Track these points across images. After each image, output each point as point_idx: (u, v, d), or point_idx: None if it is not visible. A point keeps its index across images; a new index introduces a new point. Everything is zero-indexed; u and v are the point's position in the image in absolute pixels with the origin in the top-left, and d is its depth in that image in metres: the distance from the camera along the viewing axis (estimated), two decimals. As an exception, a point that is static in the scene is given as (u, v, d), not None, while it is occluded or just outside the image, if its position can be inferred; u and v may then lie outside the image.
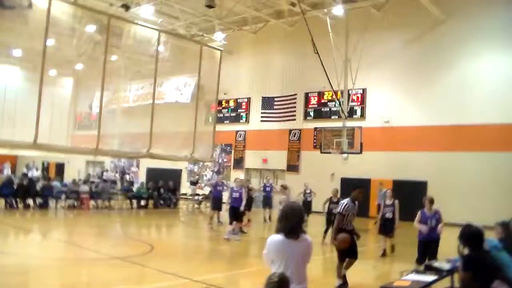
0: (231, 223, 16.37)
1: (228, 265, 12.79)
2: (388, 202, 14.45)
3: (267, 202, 23.16)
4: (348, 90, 25.48)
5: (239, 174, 31.33)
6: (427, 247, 10.30)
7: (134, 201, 26.95)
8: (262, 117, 32.62)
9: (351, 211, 9.57)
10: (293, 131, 31.13)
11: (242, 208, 16.66)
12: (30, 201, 23.39)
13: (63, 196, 24.62)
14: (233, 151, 34.21)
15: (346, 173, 27.25)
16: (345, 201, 9.71)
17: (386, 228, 14.29)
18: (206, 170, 35.37)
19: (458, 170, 24.05)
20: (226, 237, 16.06)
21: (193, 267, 11.89)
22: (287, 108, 31.44)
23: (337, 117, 27.80)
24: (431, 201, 10.73)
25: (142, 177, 36.19)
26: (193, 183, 32.64)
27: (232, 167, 34.13)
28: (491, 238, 7.27)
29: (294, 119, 31.05)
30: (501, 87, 23.51)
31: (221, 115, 33.48)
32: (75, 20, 13.22)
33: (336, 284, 9.61)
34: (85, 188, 25.30)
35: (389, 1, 25.37)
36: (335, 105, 27.76)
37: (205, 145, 18.41)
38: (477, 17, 24.13)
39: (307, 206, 19.72)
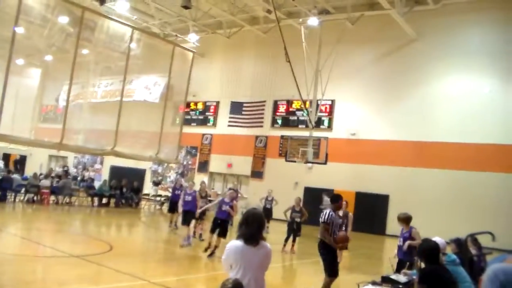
0: (187, 224, 15.76)
1: (186, 269, 12.67)
2: (340, 213, 13.46)
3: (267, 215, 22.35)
4: (317, 101, 25.61)
5: (203, 178, 31.16)
6: (400, 265, 9.90)
7: (96, 199, 26.56)
8: (229, 121, 32.54)
9: (335, 220, 9.32)
10: (259, 137, 31.14)
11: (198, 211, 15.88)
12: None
13: (23, 190, 24.05)
14: (198, 154, 34.02)
15: (309, 182, 27.40)
16: (327, 210, 9.27)
17: None
18: (170, 171, 35.11)
19: (419, 185, 24.43)
20: (183, 244, 15.35)
21: (151, 268, 11.77)
22: (255, 114, 31.44)
23: (304, 126, 27.90)
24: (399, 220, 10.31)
25: (105, 175, 35.69)
26: (156, 184, 32.44)
27: (196, 170, 33.93)
28: (450, 253, 7.40)
29: (262, 126, 31.07)
30: (463, 107, 24.08)
31: (189, 117, 33.26)
32: (48, 9, 12.97)
33: None
34: (46, 182, 24.75)
35: (364, 16, 25.71)
36: (303, 114, 27.87)
37: (170, 146, 18.24)
38: (446, 38, 24.64)
39: (266, 212, 19.62)
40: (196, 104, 34.11)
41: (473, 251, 9.25)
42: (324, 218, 9.06)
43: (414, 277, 7.42)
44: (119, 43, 15.34)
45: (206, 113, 34.10)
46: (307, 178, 27.83)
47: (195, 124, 34.03)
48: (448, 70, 24.79)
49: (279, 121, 30.63)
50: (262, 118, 31.08)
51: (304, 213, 16.76)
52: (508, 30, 23.50)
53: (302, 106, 26.51)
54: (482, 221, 18.80)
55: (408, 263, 9.39)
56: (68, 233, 17.39)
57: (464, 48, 24.42)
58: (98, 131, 16.17)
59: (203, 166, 33.63)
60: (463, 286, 6.86)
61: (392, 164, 25.52)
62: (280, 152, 29.21)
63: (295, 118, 29.87)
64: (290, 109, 30.16)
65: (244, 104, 31.93)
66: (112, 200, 27.10)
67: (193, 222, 16.68)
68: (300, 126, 29.13)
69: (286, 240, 16.41)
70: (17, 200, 23.76)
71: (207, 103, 33.99)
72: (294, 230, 16.48)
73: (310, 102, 25.45)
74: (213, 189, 30.22)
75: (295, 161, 24.79)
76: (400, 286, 7.79)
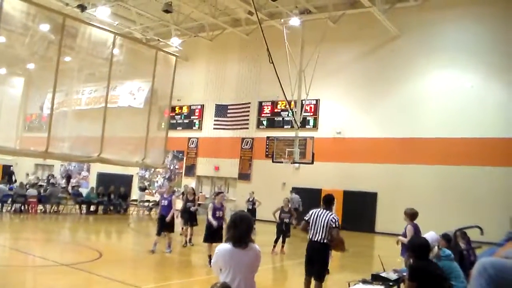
0: (158, 234, 14.84)
1: (176, 274, 12.65)
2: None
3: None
4: (302, 101, 25.66)
5: (191, 182, 31.14)
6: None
7: (84, 206, 26.40)
8: (215, 124, 32.50)
9: None
10: (245, 139, 31.14)
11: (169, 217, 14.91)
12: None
13: (9, 200, 23.83)
14: (185, 158, 33.96)
15: (297, 182, 27.42)
16: (334, 214, 8.97)
17: None
18: (157, 176, 35.02)
19: (407, 182, 24.55)
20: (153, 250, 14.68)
21: (142, 275, 11.73)
22: (240, 116, 31.43)
23: (289, 127, 27.92)
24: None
25: (92, 182, 35.49)
26: (142, 189, 32.37)
27: (183, 174, 33.86)
28: (445, 248, 7.44)
29: (247, 128, 31.08)
30: (447, 103, 24.24)
31: (174, 121, 33.22)
32: (29, 17, 12.88)
33: None
34: (33, 192, 24.55)
35: (345, 14, 25.83)
36: (288, 115, 27.91)
37: (157, 151, 18.19)
38: (429, 34, 24.80)
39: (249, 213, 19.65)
40: (181, 108, 34.07)
41: (462, 245, 9.31)
42: (337, 223, 8.73)
43: (405, 274, 7.47)
44: (101, 49, 15.27)
45: (191, 117, 34.05)
46: (295, 178, 27.87)
47: (180, 128, 33.96)
48: (431, 66, 24.93)
49: (265, 122, 30.64)
50: (248, 120, 31.08)
51: (292, 214, 16.81)
52: (489, 25, 23.73)
53: (287, 106, 26.55)
54: (471, 215, 18.95)
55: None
56: (57, 241, 17.29)
57: (446, 44, 24.57)
58: (84, 138, 16.08)
59: (190, 170, 33.57)
60: (457, 281, 6.91)
61: (379, 162, 25.62)
62: (267, 153, 29.23)
63: (281, 118, 29.91)
64: (275, 110, 30.19)
65: (229, 107, 31.91)
66: (100, 207, 26.96)
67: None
68: (285, 126, 29.17)
69: (276, 241, 16.42)
70: (4, 210, 23.54)
71: (192, 107, 33.94)
72: (283, 231, 16.48)
73: (295, 102, 25.49)
74: (201, 192, 30.31)
75: (282, 162, 24.82)
76: (391, 284, 7.83)
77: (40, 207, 24.71)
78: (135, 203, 30.51)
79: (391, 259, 10.29)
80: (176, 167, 34.32)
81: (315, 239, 8.72)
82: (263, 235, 17.76)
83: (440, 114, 24.32)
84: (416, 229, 9.63)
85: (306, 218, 8.98)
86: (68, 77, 15.19)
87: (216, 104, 32.44)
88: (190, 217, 16.81)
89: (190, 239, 16.93)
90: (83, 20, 17.55)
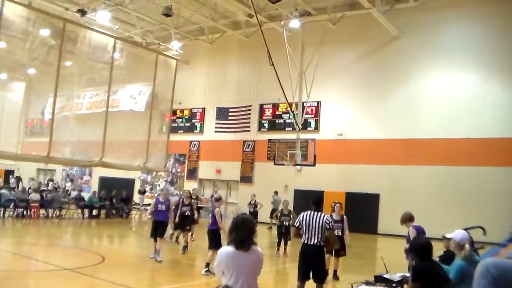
0: (155, 240, 13.96)
1: (179, 277, 12.61)
2: (336, 217, 12.45)
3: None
4: (303, 103, 25.65)
5: (193, 185, 31.15)
6: None
7: (86, 211, 26.38)
8: (216, 127, 32.47)
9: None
10: (247, 142, 31.13)
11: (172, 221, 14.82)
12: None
13: (12, 205, 23.84)
14: (186, 161, 33.95)
15: (299, 185, 27.39)
16: (327, 215, 8.86)
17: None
18: (159, 180, 35.01)
19: (409, 183, 24.54)
20: (156, 258, 13.85)
21: (144, 278, 11.73)
22: (242, 119, 31.42)
23: (291, 129, 27.92)
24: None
25: (94, 186, 35.52)
26: (141, 193, 32.34)
27: (185, 177, 33.87)
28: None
29: (249, 130, 31.06)
30: (448, 103, 24.23)
31: (175, 124, 33.23)
32: (29, 23, 12.91)
33: None
34: (35, 196, 24.53)
35: (345, 16, 25.83)
36: (289, 117, 27.89)
37: (158, 155, 18.23)
38: (429, 35, 24.78)
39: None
40: (182, 111, 34.08)
41: (464, 246, 9.24)
42: (331, 224, 8.68)
43: (408, 275, 7.44)
44: (102, 53, 15.32)
45: (193, 120, 34.06)
46: (297, 180, 27.84)
47: (182, 131, 33.99)
48: (431, 66, 24.91)
49: (266, 125, 30.64)
50: (249, 122, 31.07)
51: (293, 216, 16.46)
52: (490, 25, 23.70)
53: (288, 108, 26.56)
54: (473, 216, 18.91)
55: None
56: (59, 246, 17.26)
57: (447, 44, 24.56)
58: (85, 142, 16.12)
59: (192, 173, 33.57)
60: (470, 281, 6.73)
61: (381, 163, 25.60)
62: (268, 155, 29.19)
63: (282, 121, 29.90)
64: (276, 113, 30.19)
65: (230, 109, 31.90)
66: (102, 211, 26.93)
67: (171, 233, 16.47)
68: (287, 129, 29.15)
69: (278, 244, 16.34)
70: (6, 215, 23.54)
71: (193, 110, 33.96)
72: (283, 233, 16.28)
73: (296, 105, 25.49)
74: (203, 195, 30.30)
75: (283, 164, 24.82)
76: (394, 285, 7.81)
77: (42, 211, 24.67)
78: (137, 207, 30.52)
79: (391, 260, 10.27)
80: (178, 170, 34.32)
81: (311, 243, 8.49)
82: (265, 238, 17.74)
83: (441, 114, 24.30)
84: (419, 230, 9.53)
85: (297, 224, 8.72)
86: (69, 81, 15.23)
87: (217, 107, 32.43)
88: (183, 221, 16.10)
89: (179, 241, 16.65)
90: (83, 24, 17.59)
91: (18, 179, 34.90)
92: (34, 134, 30.29)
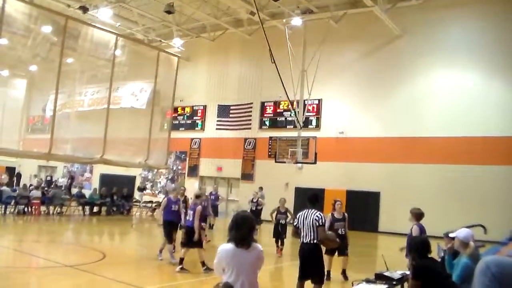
0: (170, 242, 13.64)
1: (180, 274, 12.60)
2: (338, 216, 12.24)
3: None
4: (304, 101, 25.66)
5: (194, 182, 31.16)
6: None
7: (87, 208, 26.41)
8: (217, 125, 32.48)
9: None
10: (248, 139, 31.12)
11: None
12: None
13: (13, 202, 23.86)
14: (187, 159, 33.96)
15: (300, 182, 27.34)
16: (318, 212, 8.45)
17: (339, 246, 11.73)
18: (160, 177, 35.04)
19: (410, 181, 24.50)
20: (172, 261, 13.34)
21: (146, 276, 11.72)
22: (243, 116, 31.41)
23: (292, 126, 27.95)
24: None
25: (95, 183, 35.55)
26: (141, 190, 32.32)
27: (186, 174, 33.88)
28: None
29: (250, 128, 31.05)
30: (449, 102, 24.20)
31: (177, 122, 33.23)
32: (31, 19, 12.91)
33: None
34: (36, 193, 24.55)
35: (347, 14, 25.80)
36: (290, 115, 27.91)
37: (159, 152, 18.23)
38: (431, 33, 24.75)
39: (253, 215, 19.16)
40: (183, 108, 34.08)
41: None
42: (320, 220, 8.31)
43: (408, 273, 7.45)
44: (103, 50, 15.33)
45: (194, 117, 34.05)
46: (298, 178, 27.80)
47: (183, 128, 33.98)
48: (433, 65, 24.89)
49: (267, 123, 30.63)
50: (250, 120, 31.06)
51: (290, 214, 16.14)
52: (492, 23, 23.67)
53: (289, 106, 26.57)
54: (474, 214, 18.86)
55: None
56: (60, 243, 17.26)
57: (449, 42, 24.54)
58: (87, 139, 16.13)
59: (193, 171, 33.57)
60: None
61: (382, 161, 25.58)
62: (270, 153, 29.17)
63: (283, 119, 29.89)
64: (278, 110, 30.17)
65: (231, 107, 31.89)
66: (103, 208, 26.95)
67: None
68: (288, 126, 29.14)
69: (277, 242, 15.96)
70: (7, 212, 23.55)
71: (195, 107, 33.95)
72: (279, 232, 15.81)
73: (297, 102, 25.52)
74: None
75: (284, 162, 24.81)
76: (394, 283, 7.81)
77: (43, 208, 24.69)
78: (138, 204, 30.53)
79: (391, 258, 10.27)
80: (179, 167, 34.33)
81: (305, 241, 8.36)
82: (266, 236, 17.70)
83: (442, 113, 24.27)
84: (422, 230, 9.51)
85: (296, 224, 8.61)
86: (70, 78, 15.24)
87: (218, 105, 32.42)
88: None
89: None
90: (85, 21, 17.57)
91: (18, 175, 34.96)
92: (35, 131, 30.34)
